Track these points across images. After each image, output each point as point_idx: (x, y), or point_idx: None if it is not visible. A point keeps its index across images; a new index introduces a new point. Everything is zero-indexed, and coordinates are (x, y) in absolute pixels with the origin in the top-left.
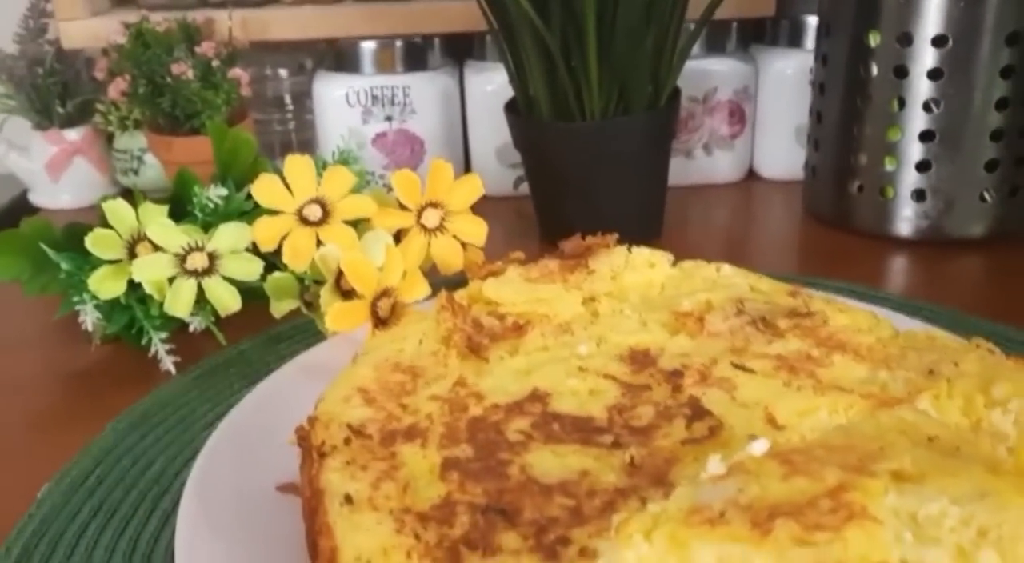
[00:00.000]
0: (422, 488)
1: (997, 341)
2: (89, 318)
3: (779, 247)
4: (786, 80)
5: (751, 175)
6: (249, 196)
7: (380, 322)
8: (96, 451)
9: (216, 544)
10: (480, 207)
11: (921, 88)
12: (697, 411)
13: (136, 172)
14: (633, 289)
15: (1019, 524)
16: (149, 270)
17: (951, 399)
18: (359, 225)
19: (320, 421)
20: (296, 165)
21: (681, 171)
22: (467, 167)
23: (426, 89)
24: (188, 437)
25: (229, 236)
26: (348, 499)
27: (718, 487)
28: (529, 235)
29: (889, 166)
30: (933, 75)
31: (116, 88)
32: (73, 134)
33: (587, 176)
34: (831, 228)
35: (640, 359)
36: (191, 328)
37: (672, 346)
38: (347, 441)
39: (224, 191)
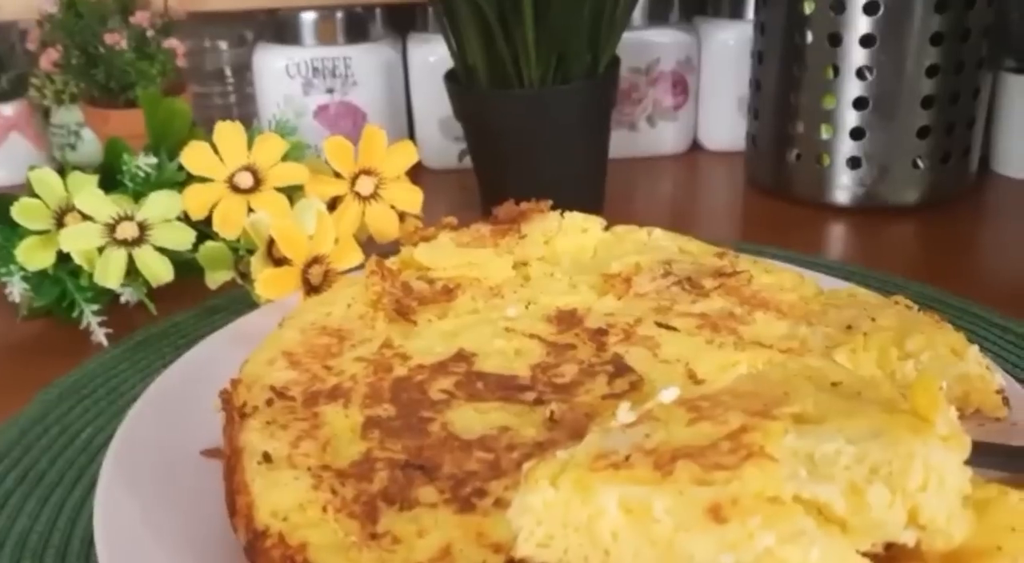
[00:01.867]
0: (343, 446)
1: (926, 302)
2: (16, 289)
3: (721, 217)
4: (728, 51)
5: (695, 147)
6: (183, 167)
7: (312, 289)
8: (23, 421)
9: (134, 504)
10: (424, 180)
11: (855, 55)
12: (619, 368)
13: (74, 147)
14: (565, 253)
15: (908, 460)
16: (78, 240)
17: (867, 352)
18: (294, 194)
19: (243, 383)
20: (226, 132)
21: (624, 143)
22: (411, 140)
23: (368, 61)
24: (117, 407)
25: (160, 205)
26: (266, 457)
27: (626, 433)
28: (473, 208)
29: (825, 134)
30: (866, 42)
31: (48, 59)
32: (7, 109)
33: (527, 146)
34: (772, 197)
35: (567, 319)
36: (123, 299)
37: (599, 306)
38: (269, 402)
39: (153, 160)
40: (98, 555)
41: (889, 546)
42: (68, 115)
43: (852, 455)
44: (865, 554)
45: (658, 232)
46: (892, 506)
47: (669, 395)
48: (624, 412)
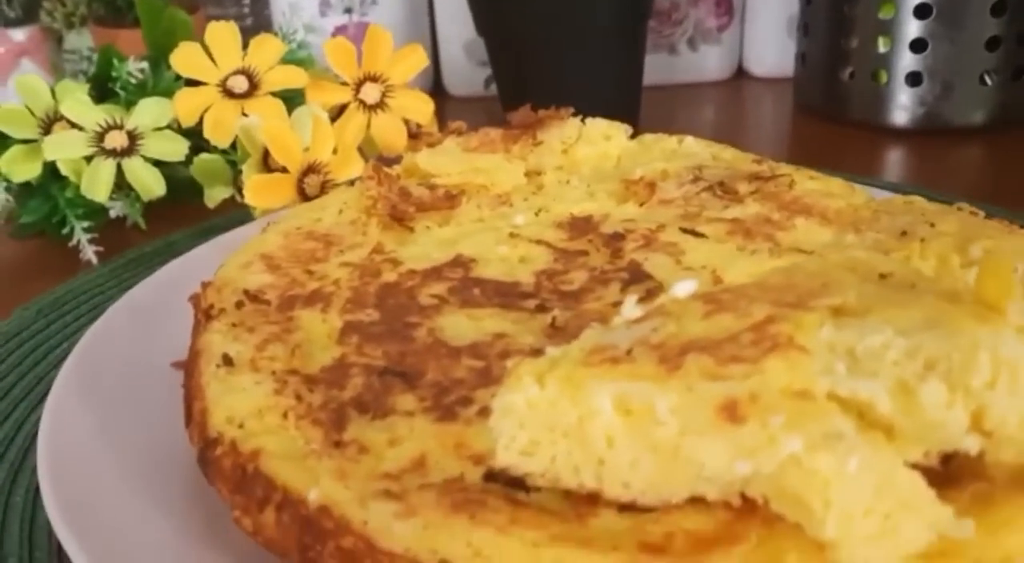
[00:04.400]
0: (315, 351)
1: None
2: None
3: (767, 144)
4: None
5: (741, 72)
6: (180, 77)
7: (308, 200)
8: None
9: (89, 413)
10: (448, 107)
11: None
12: (636, 275)
13: (86, 73)
14: (585, 162)
15: (972, 352)
16: (63, 148)
17: (924, 260)
18: (296, 104)
19: (214, 285)
20: (219, 33)
21: (664, 68)
22: (436, 65)
23: None
24: None
25: (150, 112)
26: (227, 360)
27: (631, 329)
28: None
29: (882, 47)
30: None
31: None
32: (19, 34)
33: (553, 61)
34: (823, 121)
35: (580, 226)
36: (112, 214)
37: (618, 213)
38: (239, 305)
39: (144, 65)
40: (37, 463)
41: (947, 459)
42: (80, 40)
43: (903, 349)
44: (917, 468)
45: (689, 140)
46: (951, 407)
47: (684, 288)
48: (630, 306)
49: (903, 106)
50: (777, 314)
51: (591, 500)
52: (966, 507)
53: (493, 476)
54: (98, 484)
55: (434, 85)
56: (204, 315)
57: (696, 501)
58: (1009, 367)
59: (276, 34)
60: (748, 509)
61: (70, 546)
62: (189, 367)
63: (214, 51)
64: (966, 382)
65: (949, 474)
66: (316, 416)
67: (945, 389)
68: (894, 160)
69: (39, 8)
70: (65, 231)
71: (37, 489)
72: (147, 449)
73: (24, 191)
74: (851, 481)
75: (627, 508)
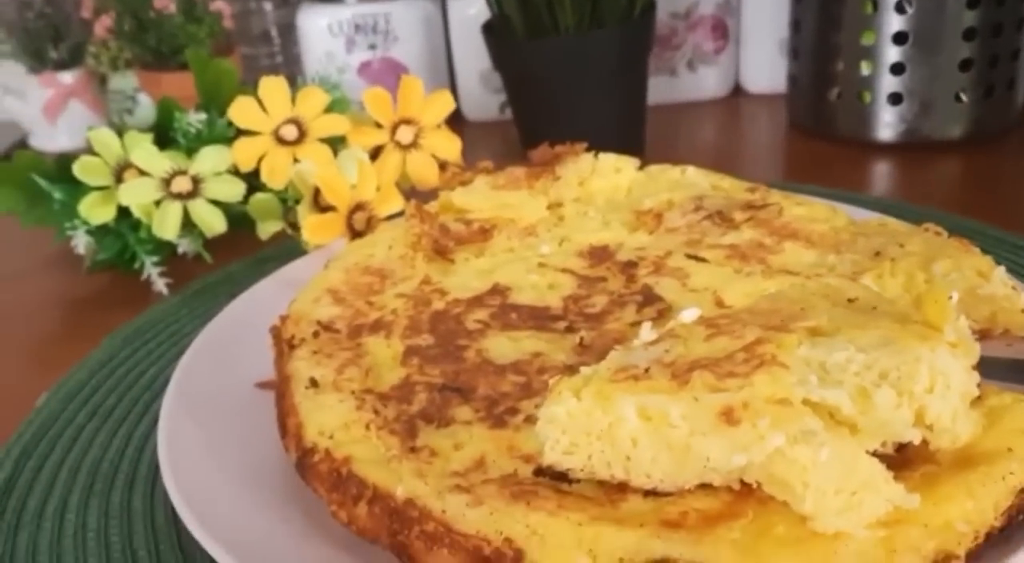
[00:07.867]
0: (384, 373)
1: (961, 233)
2: (80, 242)
3: (763, 159)
4: None
5: (737, 91)
6: (232, 124)
7: (356, 234)
8: (92, 363)
9: (194, 430)
10: (466, 132)
11: None
12: (649, 297)
13: (131, 112)
14: (599, 193)
15: (915, 364)
16: (136, 194)
17: (894, 277)
18: (337, 146)
19: (291, 318)
20: (271, 87)
21: (665, 89)
22: (453, 93)
23: (408, 16)
24: (178, 350)
25: (211, 159)
26: (313, 382)
27: (647, 350)
28: (514, 158)
29: (865, 70)
30: None
31: (102, 25)
32: (67, 77)
33: (564, 93)
34: (814, 137)
35: (599, 254)
36: (180, 250)
37: (631, 242)
38: (316, 335)
39: (203, 116)
40: (163, 476)
41: (900, 448)
42: (124, 81)
43: (862, 362)
44: (876, 455)
45: (691, 170)
46: (899, 407)
47: (690, 315)
48: (646, 331)
49: (886, 123)
50: (764, 336)
51: (621, 488)
52: (916, 485)
53: (541, 471)
54: (212, 485)
55: (453, 111)
56: (288, 344)
57: (705, 486)
58: (943, 376)
59: (313, 80)
60: (746, 491)
61: (199, 534)
62: (281, 389)
63: (266, 103)
64: (910, 388)
65: (905, 459)
66: (392, 427)
67: (894, 394)
68: (880, 172)
69: (84, 52)
70: (136, 266)
71: (153, 494)
72: (247, 455)
73: (99, 231)
74: (823, 467)
75: (650, 493)
